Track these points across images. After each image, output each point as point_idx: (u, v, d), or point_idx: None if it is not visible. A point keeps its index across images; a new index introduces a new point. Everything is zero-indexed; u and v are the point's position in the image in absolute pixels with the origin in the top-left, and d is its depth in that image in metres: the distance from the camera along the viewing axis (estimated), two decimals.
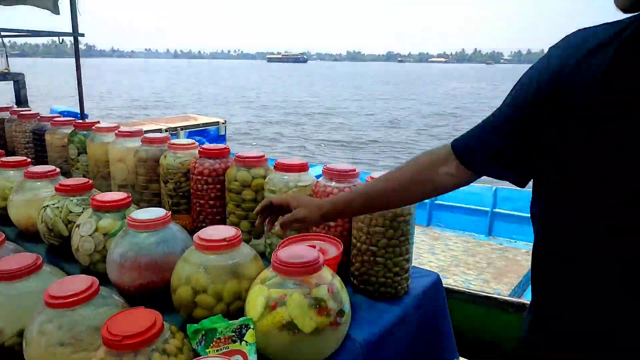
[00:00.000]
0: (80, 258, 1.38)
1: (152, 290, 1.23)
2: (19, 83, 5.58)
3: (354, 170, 1.41)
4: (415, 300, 1.36)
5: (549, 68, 0.80)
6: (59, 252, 1.54)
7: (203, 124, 6.92)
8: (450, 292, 2.72)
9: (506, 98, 0.88)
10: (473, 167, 0.94)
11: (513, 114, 0.85)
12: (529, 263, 0.95)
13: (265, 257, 1.52)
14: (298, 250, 1.06)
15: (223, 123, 7.21)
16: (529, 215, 0.93)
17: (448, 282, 3.28)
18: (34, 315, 1.03)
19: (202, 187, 1.63)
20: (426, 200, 4.80)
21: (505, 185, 5.92)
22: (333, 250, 1.27)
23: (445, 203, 4.82)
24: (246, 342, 0.96)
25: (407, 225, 1.29)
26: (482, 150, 0.91)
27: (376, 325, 1.22)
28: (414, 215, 1.32)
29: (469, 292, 2.32)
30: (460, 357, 2.37)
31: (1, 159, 1.85)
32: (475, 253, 4.11)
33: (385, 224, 1.26)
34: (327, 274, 1.04)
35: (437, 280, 1.50)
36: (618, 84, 0.72)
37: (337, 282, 1.05)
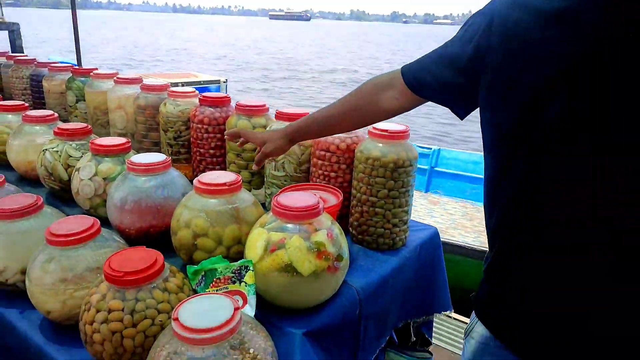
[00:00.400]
0: (80, 202, 1.39)
1: (153, 234, 1.24)
2: (14, 33, 5.45)
3: None
4: (412, 251, 1.38)
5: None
6: (59, 196, 1.54)
7: (204, 81, 6.81)
8: (449, 245, 2.76)
9: (459, 32, 0.93)
10: (420, 92, 1.00)
11: (464, 50, 0.89)
12: None
13: (265, 207, 1.53)
14: (298, 196, 1.06)
15: (224, 82, 7.10)
16: None
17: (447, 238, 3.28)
18: (36, 254, 1.05)
19: (202, 135, 1.62)
20: (425, 167, 4.79)
21: None
22: (333, 199, 1.27)
23: (444, 170, 4.81)
24: (245, 283, 0.98)
25: (407, 176, 1.29)
26: (433, 81, 0.95)
27: (373, 274, 1.24)
28: (415, 167, 1.32)
29: (465, 246, 2.36)
30: (454, 313, 2.45)
31: None
32: (473, 217, 4.14)
33: (386, 175, 1.26)
34: (326, 219, 1.05)
35: (435, 234, 1.51)
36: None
37: (337, 228, 1.06)
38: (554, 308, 0.85)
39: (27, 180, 1.69)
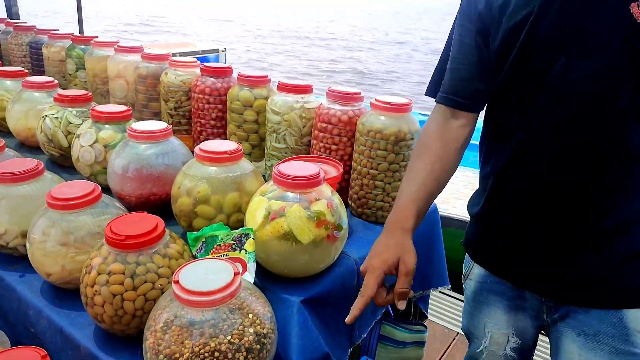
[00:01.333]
0: (80, 169, 1.39)
1: (153, 202, 1.24)
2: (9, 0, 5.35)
3: (359, 93, 1.39)
4: None
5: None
6: (59, 163, 1.54)
7: (202, 50, 6.69)
8: (450, 220, 2.76)
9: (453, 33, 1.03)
10: (475, 107, 1.03)
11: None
12: None
13: (265, 179, 1.52)
14: (299, 165, 1.06)
15: (223, 51, 6.98)
16: None
17: (448, 211, 3.27)
18: (37, 218, 1.05)
19: (203, 106, 1.61)
20: None
21: None
22: (333, 171, 1.27)
23: None
24: (245, 250, 0.98)
25: (408, 150, 1.28)
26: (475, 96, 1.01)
27: (371, 245, 1.24)
28: (416, 140, 1.31)
29: (462, 219, 2.36)
30: (450, 290, 2.47)
31: None
32: (475, 187, 4.14)
33: (387, 148, 1.26)
34: (326, 189, 1.05)
35: (433, 209, 1.51)
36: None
37: (337, 198, 1.06)
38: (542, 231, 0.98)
39: (27, 147, 1.68)
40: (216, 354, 0.75)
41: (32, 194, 1.14)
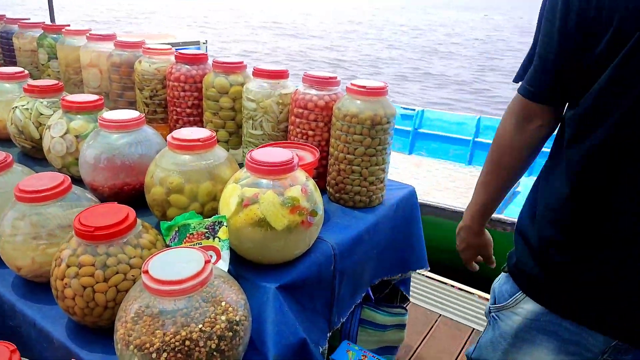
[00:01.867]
0: (52, 160, 1.36)
1: (127, 192, 1.23)
2: None
3: (335, 78, 1.37)
4: (388, 209, 1.39)
5: None
6: (30, 156, 1.51)
7: (182, 42, 6.58)
8: (427, 207, 2.79)
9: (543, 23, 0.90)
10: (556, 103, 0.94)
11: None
12: None
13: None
14: (273, 151, 1.05)
15: (204, 43, 6.88)
16: None
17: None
18: (6, 211, 1.03)
19: (178, 94, 1.58)
20: (409, 128, 4.78)
21: (489, 114, 5.91)
22: (310, 157, 1.26)
23: (428, 132, 4.81)
24: (219, 238, 0.98)
25: (385, 134, 1.28)
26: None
27: (349, 230, 1.25)
28: (393, 125, 1.31)
29: (444, 207, 2.38)
30: (430, 272, 2.50)
31: None
32: (455, 179, 4.18)
33: (363, 132, 1.25)
34: (301, 175, 1.04)
35: (412, 193, 1.52)
36: None
37: (311, 184, 1.06)
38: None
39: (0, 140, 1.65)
40: (187, 342, 0.74)
41: (0, 187, 1.11)
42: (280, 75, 1.44)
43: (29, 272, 1.01)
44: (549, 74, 0.90)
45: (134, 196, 1.22)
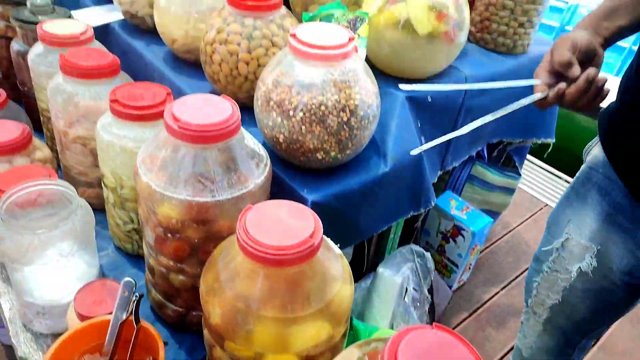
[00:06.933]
0: None
1: None
2: None
3: None
4: (529, 62, 1.27)
5: None
6: None
7: None
8: None
9: None
10: None
11: None
12: None
13: None
14: None
15: None
16: None
17: None
18: None
19: None
20: (555, 24, 4.19)
21: None
22: None
23: None
24: (359, 35, 0.96)
25: None
26: None
27: (484, 68, 1.18)
28: None
29: None
30: (549, 166, 2.35)
31: None
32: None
33: None
34: None
35: None
36: None
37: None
38: None
39: None
40: (322, 107, 0.77)
41: None
42: None
43: (181, 45, 1.09)
44: None
45: None
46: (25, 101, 1.21)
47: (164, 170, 0.68)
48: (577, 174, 0.92)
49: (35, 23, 1.07)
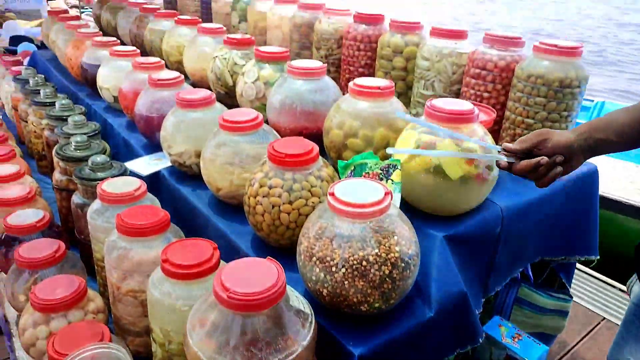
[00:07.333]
0: (242, 104, 1.53)
1: (305, 136, 1.33)
2: None
3: (519, 38, 1.30)
4: (564, 183, 1.28)
5: None
6: (223, 101, 1.71)
7: None
8: (607, 200, 2.46)
9: None
10: None
11: None
12: None
13: None
14: (453, 101, 1.04)
15: None
16: None
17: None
18: (210, 139, 1.19)
19: (353, 53, 1.65)
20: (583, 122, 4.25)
21: None
22: (483, 116, 1.23)
23: None
24: (392, 180, 1.01)
25: (573, 99, 1.18)
26: None
27: (519, 197, 1.19)
28: (583, 91, 1.20)
29: (628, 203, 2.11)
30: (599, 273, 2.24)
31: (177, 18, 2.05)
32: (635, 180, 3.64)
33: (548, 95, 1.17)
34: (479, 128, 1.02)
35: (593, 171, 1.38)
36: None
37: (489, 139, 1.03)
38: None
39: (199, 86, 1.90)
40: (364, 263, 0.79)
41: (205, 119, 1.29)
42: (459, 35, 1.41)
43: (227, 193, 1.17)
44: None
45: (311, 139, 1.32)
46: (81, 248, 1.29)
47: (213, 338, 0.69)
48: (626, 312, 0.90)
49: (95, 180, 1.17)
